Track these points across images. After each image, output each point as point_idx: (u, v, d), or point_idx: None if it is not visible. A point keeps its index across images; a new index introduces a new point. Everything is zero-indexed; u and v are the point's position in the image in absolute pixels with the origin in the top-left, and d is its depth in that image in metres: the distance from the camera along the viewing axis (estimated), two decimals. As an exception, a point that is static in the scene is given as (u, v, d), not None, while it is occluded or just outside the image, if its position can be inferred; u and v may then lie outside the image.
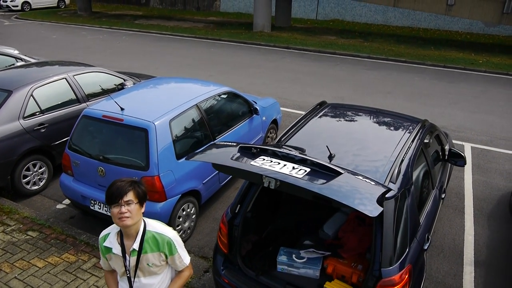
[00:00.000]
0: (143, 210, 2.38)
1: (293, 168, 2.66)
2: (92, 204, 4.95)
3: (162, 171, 4.59)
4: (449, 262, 4.85)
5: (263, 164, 2.69)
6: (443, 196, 4.45)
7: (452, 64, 13.98)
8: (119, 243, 2.41)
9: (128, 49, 15.98)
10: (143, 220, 2.43)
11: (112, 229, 2.47)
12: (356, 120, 4.56)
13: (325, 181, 2.54)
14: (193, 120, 5.16)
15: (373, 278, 3.06)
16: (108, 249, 2.45)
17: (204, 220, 5.52)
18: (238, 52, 15.69)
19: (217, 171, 5.39)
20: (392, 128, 4.27)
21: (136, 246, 2.38)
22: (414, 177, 3.69)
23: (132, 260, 2.41)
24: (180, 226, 4.98)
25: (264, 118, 6.69)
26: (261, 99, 7.13)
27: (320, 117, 4.48)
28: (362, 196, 2.45)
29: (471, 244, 5.18)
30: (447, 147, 5.02)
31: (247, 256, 3.75)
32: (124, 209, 2.25)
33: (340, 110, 4.74)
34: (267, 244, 3.96)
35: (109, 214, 4.78)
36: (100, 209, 4.89)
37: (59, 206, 5.83)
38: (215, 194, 5.79)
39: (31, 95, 5.98)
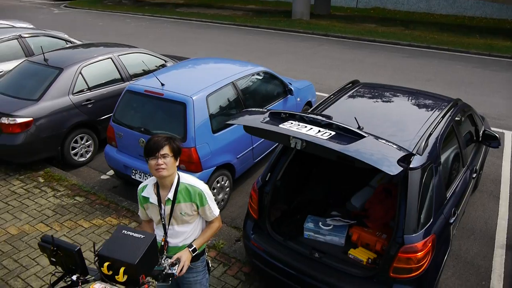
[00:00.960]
0: (177, 163, 2.61)
1: (319, 131, 2.81)
2: (133, 174, 5.29)
3: (199, 143, 4.85)
4: (480, 244, 4.83)
5: (291, 127, 2.86)
6: (474, 176, 4.42)
7: (498, 52, 13.45)
8: (155, 194, 2.66)
9: (168, 36, 16.45)
10: (177, 173, 2.67)
11: (150, 181, 2.72)
12: (387, 98, 4.61)
13: (348, 142, 2.68)
14: (229, 96, 5.38)
15: (396, 245, 3.17)
16: (146, 199, 2.70)
17: (237, 194, 5.75)
18: (275, 39, 15.78)
19: (250, 147, 5.61)
20: (422, 105, 4.30)
21: (170, 196, 2.61)
22: (442, 153, 3.73)
23: (167, 208, 2.64)
24: (214, 197, 5.22)
25: (298, 99, 6.82)
26: (296, 81, 7.25)
27: (351, 94, 4.58)
28: (384, 156, 2.57)
29: (504, 229, 5.13)
30: (482, 128, 4.97)
31: (276, 222, 3.94)
32: (160, 161, 2.49)
33: (372, 89, 4.81)
34: (295, 213, 4.13)
35: (148, 183, 5.10)
36: (140, 178, 5.22)
37: (104, 177, 6.24)
38: (249, 170, 6.00)
39: (80, 72, 6.40)
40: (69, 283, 1.97)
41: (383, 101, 4.55)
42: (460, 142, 4.17)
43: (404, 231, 3.16)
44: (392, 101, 4.53)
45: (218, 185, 5.25)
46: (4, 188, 5.66)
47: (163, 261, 2.56)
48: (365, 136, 2.78)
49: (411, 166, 3.23)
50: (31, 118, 5.82)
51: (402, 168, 2.48)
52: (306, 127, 2.88)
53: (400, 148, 2.82)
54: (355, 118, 3.52)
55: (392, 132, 3.74)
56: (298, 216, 4.02)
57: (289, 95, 6.48)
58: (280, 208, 4.08)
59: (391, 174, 2.43)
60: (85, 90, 6.43)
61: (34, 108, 5.88)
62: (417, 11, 21.68)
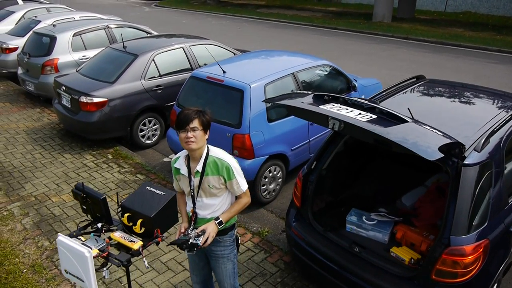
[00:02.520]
0: (207, 136, 2.66)
1: (360, 113, 2.70)
2: (190, 156, 5.49)
3: (253, 130, 4.90)
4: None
5: (331, 108, 2.78)
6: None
7: None
8: (186, 165, 2.73)
9: (245, 34, 16.82)
10: (208, 146, 2.72)
11: (182, 153, 2.80)
12: (452, 94, 4.29)
13: (388, 126, 2.54)
14: (288, 87, 5.36)
15: (441, 245, 2.94)
16: (177, 170, 2.79)
17: (290, 186, 5.70)
18: (352, 41, 15.43)
19: (307, 141, 5.55)
20: (490, 103, 3.94)
21: (199, 168, 2.67)
22: (507, 154, 3.39)
23: (196, 180, 2.70)
24: (265, 186, 5.26)
25: (363, 96, 6.59)
26: (363, 79, 7.05)
27: (413, 88, 4.34)
28: (424, 142, 2.40)
29: None
30: None
31: (319, 213, 3.85)
32: (190, 134, 2.55)
33: (438, 84, 4.52)
34: (341, 206, 4.00)
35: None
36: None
37: (166, 159, 6.56)
38: (304, 163, 5.92)
39: (153, 60, 6.80)
40: (94, 229, 2.12)
41: (447, 97, 4.24)
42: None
43: (452, 231, 2.92)
44: (458, 98, 4.21)
45: (270, 174, 5.26)
46: (77, 161, 6.20)
47: (189, 232, 2.63)
48: (407, 121, 2.62)
49: (465, 162, 2.99)
50: (106, 99, 6.31)
51: (442, 155, 2.29)
52: (347, 109, 2.78)
53: (445, 135, 2.61)
54: (408, 109, 3.34)
55: (452, 126, 3.47)
56: (342, 208, 3.89)
57: (352, 91, 6.30)
58: (325, 200, 3.98)
59: (429, 159, 2.26)
60: (156, 76, 6.81)
61: (109, 90, 6.37)
62: (514, 16, 19.87)
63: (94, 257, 1.91)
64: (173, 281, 3.88)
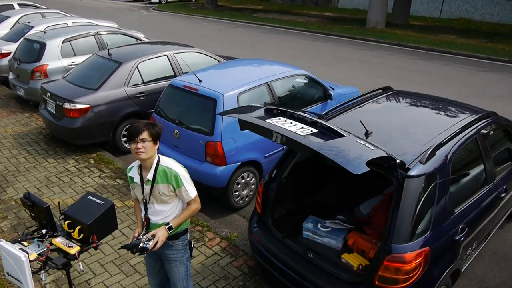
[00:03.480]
0: (157, 147, 2.84)
1: (302, 128, 2.87)
2: (167, 162, 5.66)
3: (225, 138, 5.07)
4: (510, 272, 4.45)
5: (277, 122, 2.95)
6: (503, 195, 4.09)
7: None
8: (139, 174, 2.92)
9: (239, 39, 17.02)
10: (158, 156, 2.90)
11: (136, 163, 2.98)
12: (414, 106, 4.46)
13: (324, 140, 2.70)
14: (262, 96, 5.53)
15: (384, 253, 3.10)
16: (131, 179, 2.98)
17: (264, 192, 5.87)
18: (344, 47, 15.60)
19: (281, 148, 5.70)
20: (447, 115, 4.10)
21: (150, 176, 2.85)
22: (456, 166, 3.55)
23: (147, 188, 2.88)
24: (238, 192, 5.42)
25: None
26: (341, 87, 7.20)
27: (377, 99, 4.50)
28: (353, 156, 2.55)
29: (548, 260, 4.66)
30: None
31: (279, 219, 4.01)
32: (139, 145, 2.73)
33: (402, 96, 4.67)
34: (302, 213, 4.16)
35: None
36: (173, 167, 5.57)
37: (147, 164, 6.72)
38: (279, 170, 6.08)
39: (137, 67, 6.98)
40: (39, 235, 2.29)
41: (406, 109, 4.41)
42: (485, 158, 3.90)
43: (393, 239, 3.08)
44: (416, 110, 4.37)
45: (243, 180, 5.42)
46: (60, 165, 6.38)
47: (141, 236, 2.81)
48: (344, 136, 2.78)
49: (409, 173, 3.15)
50: (89, 105, 6.49)
51: (367, 169, 2.44)
52: (291, 123, 2.95)
53: (378, 150, 2.77)
54: (361, 121, 3.51)
55: (403, 138, 3.65)
56: (301, 215, 4.05)
57: (328, 100, 6.46)
58: (286, 207, 4.14)
59: (354, 173, 2.41)
60: (139, 83, 6.99)
61: (92, 97, 6.55)
62: (508, 23, 20.00)
63: (32, 261, 2.08)
64: (139, 284, 4.05)
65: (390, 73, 11.90)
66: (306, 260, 3.58)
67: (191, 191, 2.93)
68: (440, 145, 3.42)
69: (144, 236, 2.81)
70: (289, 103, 5.89)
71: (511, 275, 4.41)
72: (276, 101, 5.64)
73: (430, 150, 3.29)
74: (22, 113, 8.63)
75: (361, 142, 2.78)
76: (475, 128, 3.84)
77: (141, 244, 2.74)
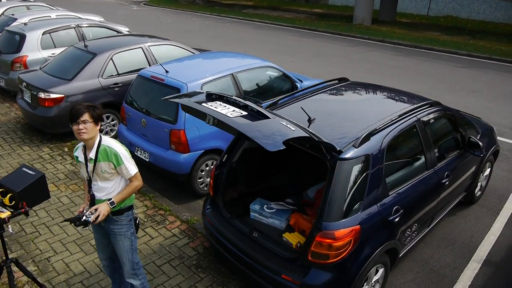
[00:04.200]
0: (98, 127, 3.03)
1: (233, 111, 3.08)
2: (136, 150, 5.85)
3: (188, 126, 5.26)
4: (455, 255, 4.68)
5: (211, 106, 3.16)
6: (445, 182, 4.30)
7: None
8: (83, 153, 3.12)
9: (226, 34, 17.19)
10: (100, 136, 3.09)
11: (81, 143, 3.18)
12: (363, 96, 4.68)
13: (250, 121, 2.92)
14: (226, 87, 5.72)
15: (316, 230, 3.31)
16: (77, 158, 3.20)
17: (229, 180, 6.08)
18: (328, 42, 15.82)
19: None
20: (392, 104, 4.33)
21: (92, 155, 3.05)
22: (392, 151, 3.77)
23: (90, 166, 3.09)
24: (202, 179, 5.63)
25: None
26: (310, 79, 7.40)
27: (330, 89, 4.71)
28: (274, 136, 2.76)
29: (490, 244, 4.90)
30: (469, 135, 4.78)
31: (230, 202, 4.22)
32: (81, 126, 2.93)
33: (355, 87, 4.89)
34: (253, 197, 4.37)
35: (146, 159, 5.64)
36: (140, 155, 5.76)
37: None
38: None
39: (111, 58, 7.16)
40: (-23, 205, 2.51)
41: (355, 98, 4.62)
42: (425, 144, 4.12)
43: (324, 217, 3.29)
44: (365, 99, 4.60)
45: (207, 168, 5.63)
46: (34, 153, 6.56)
47: (85, 211, 3.01)
48: (269, 117, 2.99)
49: (341, 156, 3.37)
50: (63, 95, 6.67)
51: (282, 147, 2.65)
52: (225, 107, 3.16)
53: (300, 130, 2.97)
54: (302, 108, 3.72)
55: (344, 124, 3.86)
56: (250, 198, 4.26)
57: (295, 92, 6.66)
58: (238, 190, 4.35)
59: (269, 150, 2.62)
60: (114, 74, 7.16)
61: (66, 87, 6.74)
62: (493, 20, 20.28)
63: None
64: (97, 262, 4.25)
65: (369, 68, 12.13)
66: (251, 239, 3.79)
67: (131, 169, 3.13)
68: (375, 131, 3.63)
69: (88, 211, 3.01)
70: (254, 94, 6.10)
71: (455, 258, 4.65)
72: (242, 92, 5.84)
73: (364, 135, 3.50)
74: (3, 103, 8.79)
75: (284, 123, 2.98)
76: (415, 115, 4.06)
77: (83, 218, 2.95)
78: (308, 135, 2.95)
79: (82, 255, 4.37)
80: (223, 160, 4.16)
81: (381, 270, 3.84)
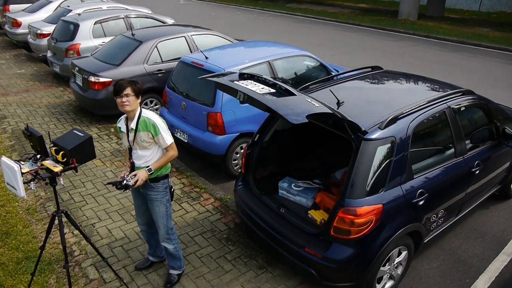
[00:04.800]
0: (139, 101, 3.32)
1: (262, 88, 3.28)
2: (176, 132, 6.20)
3: (225, 110, 5.53)
4: (484, 247, 4.66)
5: (243, 84, 3.37)
6: (475, 171, 4.29)
7: None
8: (125, 124, 3.44)
9: (268, 28, 17.38)
10: (141, 108, 3.39)
11: (124, 116, 3.50)
12: (395, 83, 4.74)
13: (277, 97, 3.11)
14: (263, 74, 5.92)
15: (339, 206, 3.47)
16: (119, 128, 3.52)
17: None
18: (370, 37, 15.64)
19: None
20: (422, 91, 4.36)
21: (133, 125, 3.36)
22: (420, 136, 3.84)
23: (131, 136, 3.39)
24: (236, 161, 5.89)
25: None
26: (346, 70, 7.45)
27: (363, 76, 4.81)
28: (298, 111, 2.93)
29: (524, 239, 4.83)
30: (504, 127, 4.73)
31: (260, 180, 4.44)
32: (124, 99, 3.23)
33: (387, 75, 4.95)
34: (283, 176, 4.56)
35: (185, 140, 5.97)
36: (180, 136, 6.10)
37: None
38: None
39: (156, 46, 7.57)
40: (34, 159, 2.87)
41: (386, 85, 4.69)
42: (454, 132, 4.13)
43: (347, 194, 3.43)
44: (396, 86, 4.65)
45: (241, 150, 5.88)
46: (84, 132, 7.08)
47: (125, 176, 3.33)
48: (295, 95, 3.17)
49: (365, 136, 3.49)
50: (111, 79, 7.14)
51: (305, 120, 2.81)
52: (255, 85, 3.36)
53: (325, 107, 3.12)
54: (331, 90, 3.87)
55: (372, 108, 3.96)
56: (279, 177, 4.45)
57: (331, 81, 6.76)
58: (269, 169, 4.56)
59: (292, 122, 2.80)
60: (158, 61, 7.57)
61: (114, 71, 7.21)
62: (551, 17, 19.17)
63: (25, 173, 2.68)
64: (136, 230, 4.61)
65: (410, 63, 11.92)
66: (278, 215, 4.00)
67: (167, 139, 3.41)
68: (403, 114, 3.72)
69: (128, 176, 3.33)
70: (291, 83, 6.27)
71: (484, 249, 4.64)
72: (276, 77, 6.03)
73: (390, 117, 3.60)
74: (57, 87, 9.48)
75: (309, 100, 3.15)
76: (445, 102, 4.09)
77: (124, 181, 3.27)
78: (331, 112, 3.10)
79: (123, 223, 4.75)
80: (255, 140, 4.38)
81: (404, 253, 3.93)
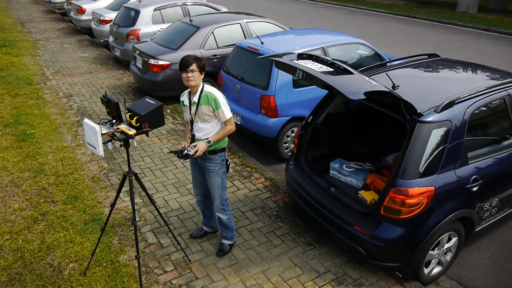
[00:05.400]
0: (202, 76, 3.54)
1: (321, 67, 3.39)
2: (229, 114, 6.44)
3: (278, 93, 5.69)
4: (539, 242, 4.55)
5: (302, 62, 3.50)
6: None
7: None
8: (188, 98, 3.67)
9: (318, 18, 17.30)
10: (203, 84, 3.61)
11: (186, 91, 3.74)
12: (452, 70, 4.68)
13: (335, 75, 3.21)
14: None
15: (390, 186, 3.53)
16: (182, 102, 3.76)
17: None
18: (426, 30, 15.18)
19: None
20: (481, 78, 4.29)
21: (195, 99, 3.58)
22: (477, 121, 3.81)
23: (193, 109, 3.63)
24: (287, 144, 6.04)
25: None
26: (401, 60, 7.37)
27: (419, 63, 4.80)
28: (356, 88, 3.01)
29: None
30: None
31: (312, 160, 4.56)
32: (189, 74, 3.46)
33: (444, 62, 4.90)
34: (334, 157, 4.66)
35: (238, 122, 6.19)
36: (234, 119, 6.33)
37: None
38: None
39: (212, 32, 7.83)
40: (111, 123, 3.17)
41: (444, 72, 4.64)
42: (513, 118, 4.04)
43: (400, 174, 3.49)
44: (454, 73, 4.60)
45: (293, 134, 6.02)
46: (142, 112, 7.50)
47: (186, 146, 3.58)
48: (353, 73, 3.25)
49: (421, 119, 3.53)
50: (169, 62, 7.50)
51: (363, 97, 2.90)
52: (314, 64, 3.48)
53: (381, 86, 3.18)
54: (387, 74, 3.92)
55: (425, 94, 3.96)
56: (330, 158, 4.56)
57: (384, 70, 6.73)
58: (320, 151, 4.67)
59: (350, 98, 2.89)
60: (214, 47, 7.84)
61: (172, 55, 7.55)
62: None
63: (103, 134, 2.99)
64: (191, 202, 4.89)
65: (468, 57, 11.42)
66: (328, 193, 4.11)
67: (227, 113, 3.62)
68: (459, 99, 3.70)
69: (189, 146, 3.57)
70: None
71: (538, 244, 4.52)
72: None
73: (447, 102, 3.61)
74: (117, 70, 10.03)
75: (367, 79, 3.23)
76: (505, 90, 4.01)
77: (185, 151, 3.52)
78: (389, 90, 3.17)
79: (179, 196, 5.05)
80: (308, 121, 4.51)
81: (454, 239, 3.93)
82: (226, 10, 12.36)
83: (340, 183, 4.26)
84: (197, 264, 4.01)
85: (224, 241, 4.16)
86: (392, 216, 3.55)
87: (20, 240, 4.24)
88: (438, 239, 3.73)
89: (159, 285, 3.74)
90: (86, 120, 3.04)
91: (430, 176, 3.52)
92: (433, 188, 3.50)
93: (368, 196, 3.95)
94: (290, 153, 6.06)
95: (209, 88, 3.63)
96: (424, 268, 3.85)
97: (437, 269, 3.99)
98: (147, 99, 3.20)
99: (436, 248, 3.83)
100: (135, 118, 3.03)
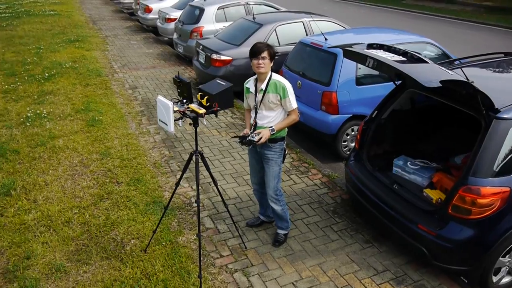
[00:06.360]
0: (271, 64, 3.55)
1: (393, 56, 3.29)
2: (287, 110, 6.44)
3: (340, 90, 5.61)
4: None
5: (373, 51, 3.42)
6: None
7: None
8: (254, 85, 3.68)
9: (381, 23, 16.86)
10: (271, 72, 3.61)
11: (252, 78, 3.75)
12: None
13: (408, 64, 3.09)
14: (381, 57, 5.89)
15: (460, 184, 3.35)
16: (248, 89, 3.75)
17: (371, 149, 6.26)
18: (496, 36, 14.34)
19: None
20: None
21: (263, 86, 3.59)
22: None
23: (259, 96, 3.62)
24: (346, 143, 5.94)
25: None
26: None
27: (494, 61, 4.54)
28: (431, 76, 2.89)
29: None
30: None
31: (374, 156, 4.44)
32: (260, 61, 3.48)
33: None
34: (397, 155, 4.50)
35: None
36: (291, 114, 6.32)
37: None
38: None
39: (274, 30, 7.89)
40: (183, 104, 3.27)
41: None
42: None
43: (472, 172, 3.30)
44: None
45: (352, 133, 5.90)
46: (202, 105, 7.69)
47: (250, 133, 3.60)
48: (427, 62, 3.11)
49: (497, 115, 3.33)
50: (231, 58, 7.64)
51: (439, 85, 2.76)
52: (385, 53, 3.38)
53: (462, 78, 3.02)
54: (462, 69, 3.73)
55: (503, 90, 3.73)
56: (394, 155, 4.40)
57: (453, 72, 6.44)
58: (383, 147, 4.53)
59: (424, 85, 2.77)
60: (275, 44, 7.87)
61: (235, 51, 7.69)
62: None
63: (175, 111, 3.09)
64: (248, 192, 4.93)
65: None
66: (391, 190, 3.98)
67: (293, 103, 3.61)
68: (543, 98, 3.45)
69: (253, 133, 3.60)
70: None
71: None
72: (396, 64, 5.92)
73: (526, 99, 3.37)
74: (179, 66, 10.38)
75: (443, 69, 3.09)
76: None
77: (249, 137, 3.54)
78: (466, 81, 3.02)
79: (236, 185, 5.11)
80: (373, 116, 4.40)
81: (528, 247, 3.65)
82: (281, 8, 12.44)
83: (404, 181, 4.11)
84: (253, 251, 4.02)
85: (279, 231, 4.15)
86: (461, 216, 3.37)
87: (87, 215, 4.48)
88: (511, 245, 3.49)
89: (215, 268, 3.79)
90: (160, 97, 3.17)
91: (505, 176, 3.31)
92: (508, 189, 3.28)
93: (434, 195, 3.78)
94: (348, 152, 5.97)
95: (278, 77, 3.64)
96: (493, 276, 3.61)
97: (507, 279, 3.73)
98: (218, 81, 3.28)
99: (508, 256, 3.58)
100: (206, 97, 3.12)
